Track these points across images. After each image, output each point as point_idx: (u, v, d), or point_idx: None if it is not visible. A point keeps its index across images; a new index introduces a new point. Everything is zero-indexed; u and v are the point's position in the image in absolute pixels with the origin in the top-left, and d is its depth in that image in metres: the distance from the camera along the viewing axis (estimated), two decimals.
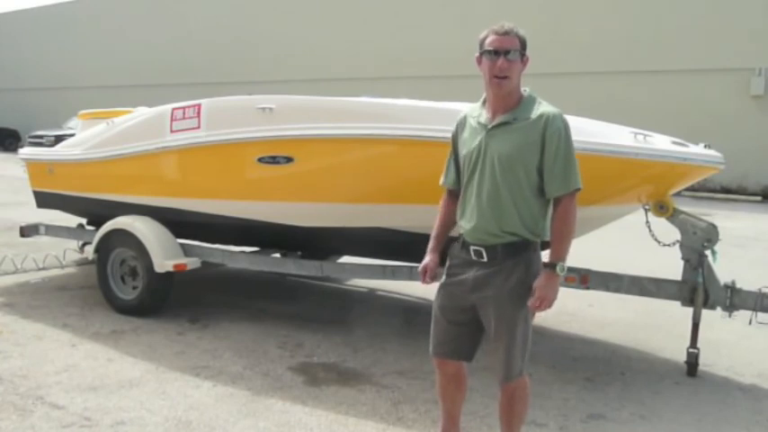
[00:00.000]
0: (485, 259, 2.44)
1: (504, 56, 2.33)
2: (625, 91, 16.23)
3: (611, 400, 3.50)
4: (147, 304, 4.80)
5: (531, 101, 2.42)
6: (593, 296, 4.87)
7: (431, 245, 2.65)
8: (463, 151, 2.50)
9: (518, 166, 2.36)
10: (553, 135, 2.34)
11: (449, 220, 2.65)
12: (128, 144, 4.94)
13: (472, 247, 2.46)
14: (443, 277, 2.59)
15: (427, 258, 2.62)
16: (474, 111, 2.53)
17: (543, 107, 2.40)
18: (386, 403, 3.39)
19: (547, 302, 2.36)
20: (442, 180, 2.67)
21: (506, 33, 2.35)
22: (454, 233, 2.66)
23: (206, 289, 5.69)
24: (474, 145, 2.44)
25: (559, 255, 2.38)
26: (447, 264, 2.59)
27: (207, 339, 4.35)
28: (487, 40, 2.38)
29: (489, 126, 2.41)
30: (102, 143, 5.18)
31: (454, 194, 2.61)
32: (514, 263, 2.43)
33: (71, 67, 29.80)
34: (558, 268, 2.34)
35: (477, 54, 2.43)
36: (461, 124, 2.57)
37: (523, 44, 2.38)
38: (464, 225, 2.49)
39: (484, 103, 2.51)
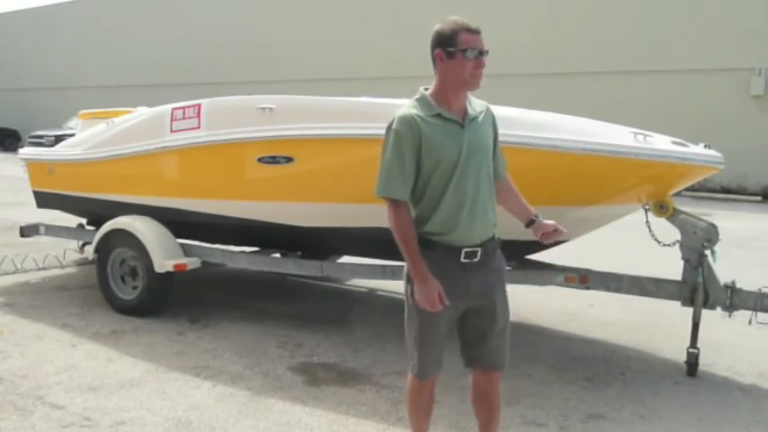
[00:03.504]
0: (477, 259, 2.37)
1: (484, 55, 2.30)
2: (625, 91, 16.23)
3: (611, 400, 3.50)
4: (147, 304, 4.80)
5: (468, 95, 2.43)
6: (593, 296, 4.87)
7: (422, 269, 2.31)
8: (441, 152, 2.29)
9: (491, 158, 2.43)
10: (496, 123, 2.52)
11: (415, 236, 2.35)
12: (128, 144, 4.95)
13: (465, 250, 2.35)
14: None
15: (434, 283, 2.30)
16: (419, 109, 2.32)
17: (478, 100, 2.49)
18: (386, 403, 3.40)
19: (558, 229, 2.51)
20: (398, 193, 2.31)
21: (479, 32, 2.32)
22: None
23: (206, 289, 5.69)
24: (457, 143, 2.31)
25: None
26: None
27: (207, 339, 4.35)
28: (462, 38, 2.26)
29: (465, 122, 2.34)
30: (102, 143, 5.18)
31: (408, 206, 2.37)
32: (499, 252, 2.49)
33: (71, 67, 29.80)
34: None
35: (441, 49, 2.29)
36: (417, 125, 2.28)
37: None
38: (458, 231, 2.33)
39: (423, 100, 2.35)
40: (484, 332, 2.48)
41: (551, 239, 2.52)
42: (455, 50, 2.27)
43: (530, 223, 2.54)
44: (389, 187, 2.33)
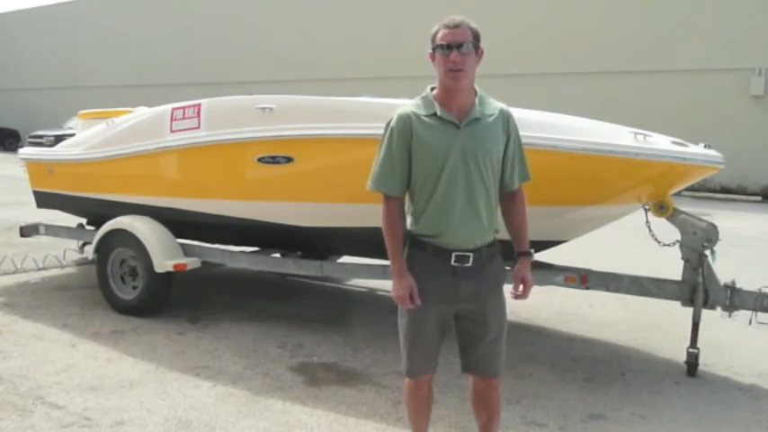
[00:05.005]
0: (469, 264, 2.34)
1: (457, 49, 2.24)
2: (625, 91, 16.22)
3: (611, 400, 3.51)
4: (147, 304, 4.80)
5: (483, 95, 2.40)
6: (593, 296, 4.87)
7: (399, 266, 2.36)
8: (431, 151, 2.30)
9: (495, 162, 2.36)
10: (514, 127, 2.42)
11: (403, 233, 2.40)
12: (128, 144, 4.95)
13: (455, 254, 2.33)
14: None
15: (408, 281, 2.35)
16: (419, 108, 2.36)
17: (495, 101, 2.43)
18: (386, 403, 3.39)
19: (531, 287, 2.49)
20: (388, 188, 2.38)
21: (458, 26, 2.27)
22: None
23: (206, 289, 5.69)
24: (447, 144, 2.28)
25: (528, 241, 2.50)
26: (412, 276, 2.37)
27: (207, 339, 4.35)
28: (439, 35, 2.29)
29: (462, 123, 2.30)
30: (102, 143, 5.18)
31: (401, 202, 2.41)
32: (497, 260, 2.45)
33: (71, 67, 29.79)
34: (532, 254, 2.49)
35: (429, 51, 2.33)
36: (410, 122, 2.33)
37: (476, 36, 2.30)
38: (448, 234, 2.32)
39: (425, 99, 2.37)
40: (475, 338, 2.46)
41: (516, 292, 2.49)
42: (434, 48, 2.32)
43: (517, 255, 2.50)
44: (379, 182, 2.40)
